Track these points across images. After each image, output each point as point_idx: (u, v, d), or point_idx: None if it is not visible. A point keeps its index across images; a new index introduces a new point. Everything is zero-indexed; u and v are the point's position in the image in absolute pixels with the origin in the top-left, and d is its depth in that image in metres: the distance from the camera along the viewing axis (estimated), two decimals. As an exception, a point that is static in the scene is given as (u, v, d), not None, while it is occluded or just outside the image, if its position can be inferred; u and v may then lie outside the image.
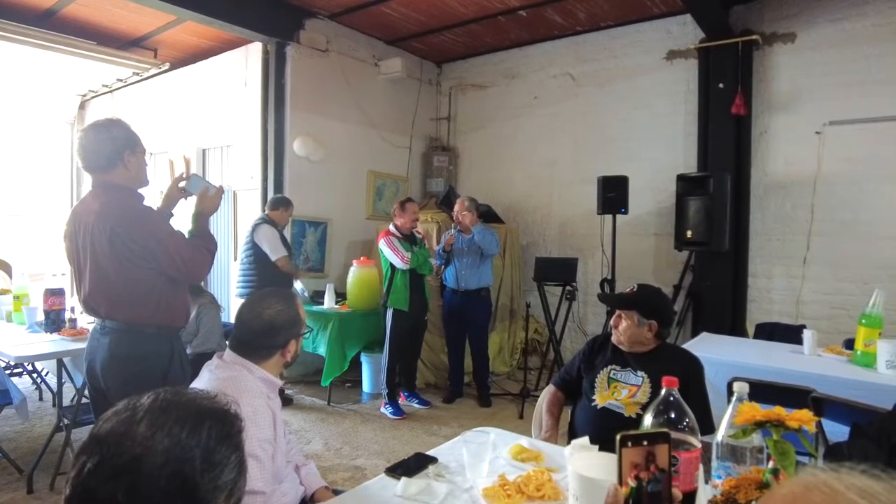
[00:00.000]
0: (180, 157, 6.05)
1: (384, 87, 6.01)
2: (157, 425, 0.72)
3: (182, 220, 2.21)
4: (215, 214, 2.33)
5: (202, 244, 2.21)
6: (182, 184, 2.27)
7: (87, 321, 3.68)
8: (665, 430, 0.94)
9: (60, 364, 3.20)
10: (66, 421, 2.99)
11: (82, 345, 3.15)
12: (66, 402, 3.27)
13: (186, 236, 2.21)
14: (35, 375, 4.46)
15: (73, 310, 3.57)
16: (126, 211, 2.06)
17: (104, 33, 5.47)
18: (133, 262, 2.04)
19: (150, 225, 2.09)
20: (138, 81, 6.45)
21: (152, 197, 2.34)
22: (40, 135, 7.35)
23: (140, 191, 2.20)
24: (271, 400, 1.57)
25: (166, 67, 5.99)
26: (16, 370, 4.33)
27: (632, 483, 0.86)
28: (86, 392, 2.99)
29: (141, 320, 2.09)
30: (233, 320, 1.72)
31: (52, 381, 4.26)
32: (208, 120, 5.81)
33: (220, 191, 2.31)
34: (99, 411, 2.17)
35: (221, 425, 0.78)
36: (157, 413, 0.74)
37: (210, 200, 2.26)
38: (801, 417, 1.15)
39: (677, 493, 0.91)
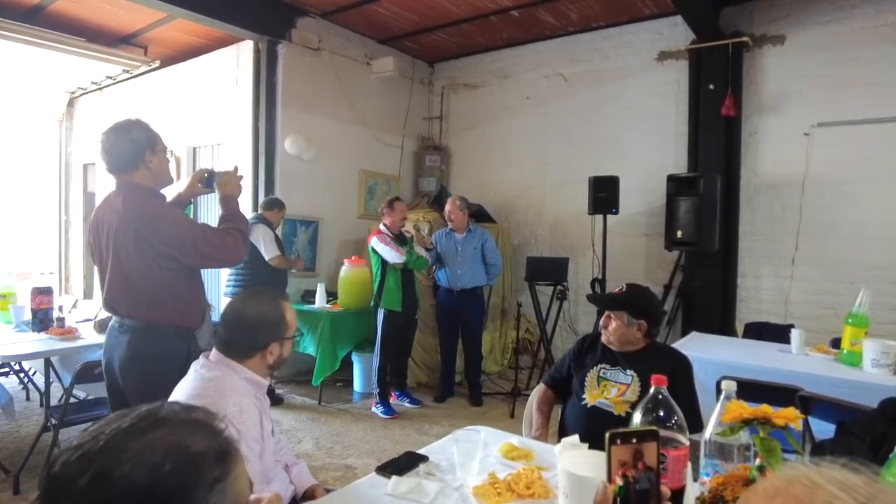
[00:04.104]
0: (171, 155, 6.01)
1: (376, 86, 6.00)
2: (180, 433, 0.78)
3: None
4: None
5: (232, 226, 2.23)
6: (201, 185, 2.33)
7: (75, 320, 3.66)
8: (654, 427, 0.95)
9: (48, 363, 3.17)
10: (53, 421, 2.96)
11: (70, 344, 3.14)
12: (53, 401, 3.24)
13: (217, 224, 2.25)
14: (22, 375, 4.41)
15: (60, 308, 3.54)
16: (149, 213, 2.09)
17: (93, 30, 5.41)
18: (157, 262, 2.07)
19: (174, 224, 2.11)
20: (128, 79, 6.40)
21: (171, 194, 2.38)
22: (28, 132, 7.27)
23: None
24: (258, 399, 1.57)
25: (156, 65, 5.94)
26: (2, 370, 4.29)
27: (619, 481, 0.87)
28: (74, 392, 2.97)
29: (160, 320, 2.12)
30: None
31: (39, 380, 4.22)
32: (199, 118, 5.77)
33: (236, 170, 2.35)
34: (115, 408, 2.17)
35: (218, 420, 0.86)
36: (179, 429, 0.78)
37: (230, 184, 2.30)
38: (788, 415, 1.16)
39: (665, 490, 0.92)
